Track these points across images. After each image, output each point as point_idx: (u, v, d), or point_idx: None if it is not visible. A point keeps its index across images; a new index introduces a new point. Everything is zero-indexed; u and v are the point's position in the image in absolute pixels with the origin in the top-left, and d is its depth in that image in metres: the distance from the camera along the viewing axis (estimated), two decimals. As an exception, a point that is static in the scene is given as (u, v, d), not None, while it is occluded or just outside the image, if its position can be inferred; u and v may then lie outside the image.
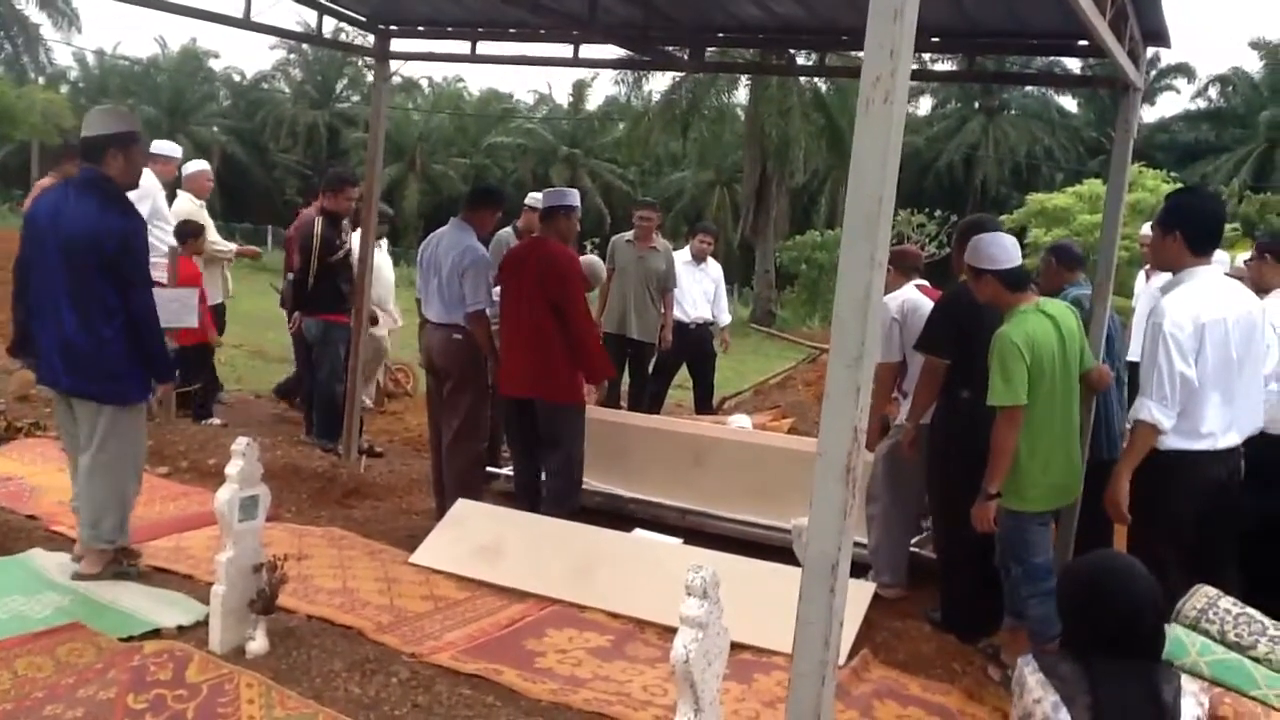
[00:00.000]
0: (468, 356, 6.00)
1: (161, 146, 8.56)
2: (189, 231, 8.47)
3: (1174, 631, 3.27)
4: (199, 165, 8.87)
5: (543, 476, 6.01)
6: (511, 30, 6.88)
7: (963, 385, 4.81)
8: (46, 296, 4.58)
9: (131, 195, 7.65)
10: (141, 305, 4.51)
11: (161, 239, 8.05)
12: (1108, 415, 5.19)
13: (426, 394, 6.44)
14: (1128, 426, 4.18)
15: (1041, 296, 4.57)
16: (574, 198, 6.05)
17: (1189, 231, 4.08)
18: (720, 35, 6.72)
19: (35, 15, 43.83)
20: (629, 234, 8.67)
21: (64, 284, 4.50)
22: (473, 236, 6.05)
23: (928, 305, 5.31)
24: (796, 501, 5.39)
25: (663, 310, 8.56)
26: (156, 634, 4.19)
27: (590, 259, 6.92)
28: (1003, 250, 4.42)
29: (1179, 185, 25.85)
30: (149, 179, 8.02)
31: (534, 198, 8.29)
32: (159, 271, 7.92)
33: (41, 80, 46.11)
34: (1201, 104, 44.81)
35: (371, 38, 7.30)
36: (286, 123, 49.34)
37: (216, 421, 8.15)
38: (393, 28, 7.16)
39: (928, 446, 5.07)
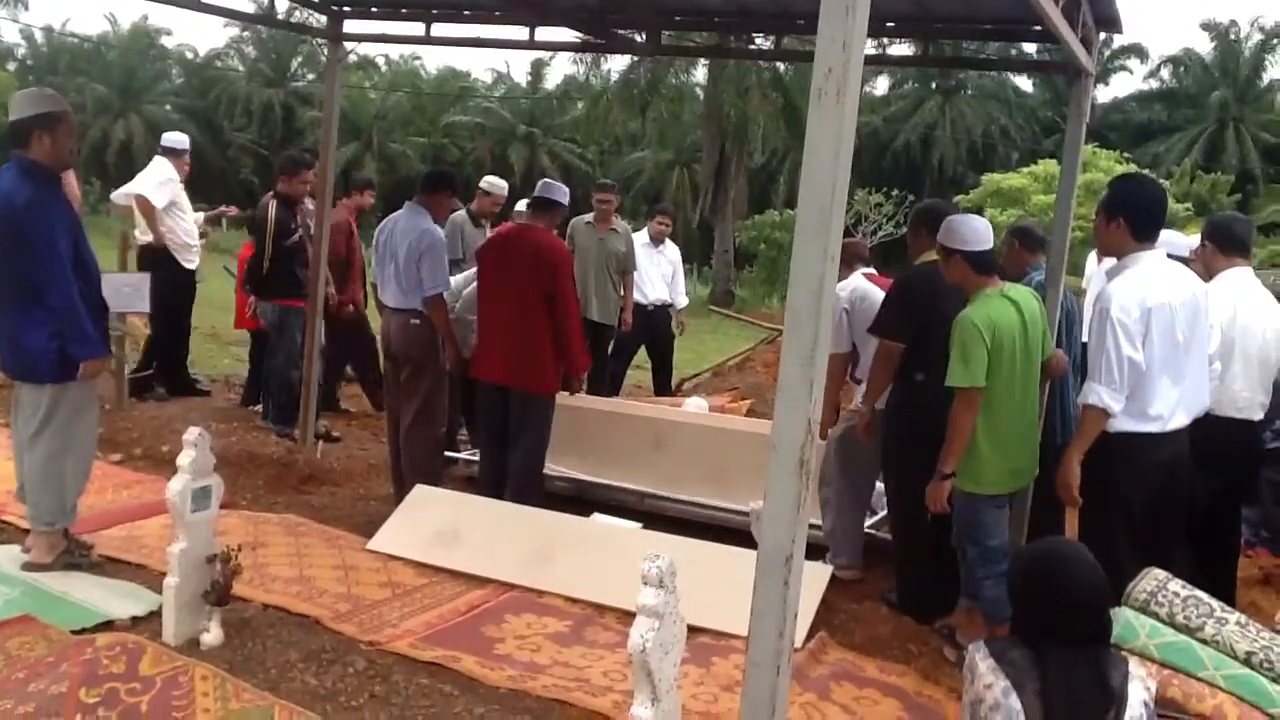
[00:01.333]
0: (426, 341, 5.98)
1: (171, 139, 8.61)
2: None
3: (1124, 614, 3.33)
4: (184, 143, 8.75)
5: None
6: (466, 12, 6.81)
7: (917, 369, 4.84)
8: None
9: (151, 183, 8.01)
10: (51, 282, 4.42)
11: (185, 229, 8.24)
12: (1063, 399, 5.23)
13: (384, 379, 6.40)
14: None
15: (1007, 282, 4.60)
16: (566, 196, 6.09)
17: (1132, 218, 4.13)
18: (676, 19, 6.70)
19: (-21, -8, 42.94)
20: (588, 216, 8.64)
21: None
22: (429, 220, 6.02)
23: (876, 293, 5.34)
24: (755, 484, 5.41)
25: (622, 293, 8.55)
26: (109, 625, 4.14)
27: None
28: (973, 232, 4.45)
29: (1131, 164, 26.21)
30: (167, 169, 8.21)
31: (489, 181, 8.25)
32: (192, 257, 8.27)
33: (-12, 58, 45.19)
34: (1154, 84, 45.33)
35: (325, 18, 7.21)
36: (241, 101, 48.63)
37: (162, 391, 8.28)
38: (346, 9, 7.06)
39: (883, 430, 5.10)
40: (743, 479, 5.77)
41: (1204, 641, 3.26)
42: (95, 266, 4.73)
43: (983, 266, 4.44)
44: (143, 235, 8.19)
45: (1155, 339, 3.99)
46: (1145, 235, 4.13)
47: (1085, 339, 5.54)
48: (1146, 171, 26.01)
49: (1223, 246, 4.88)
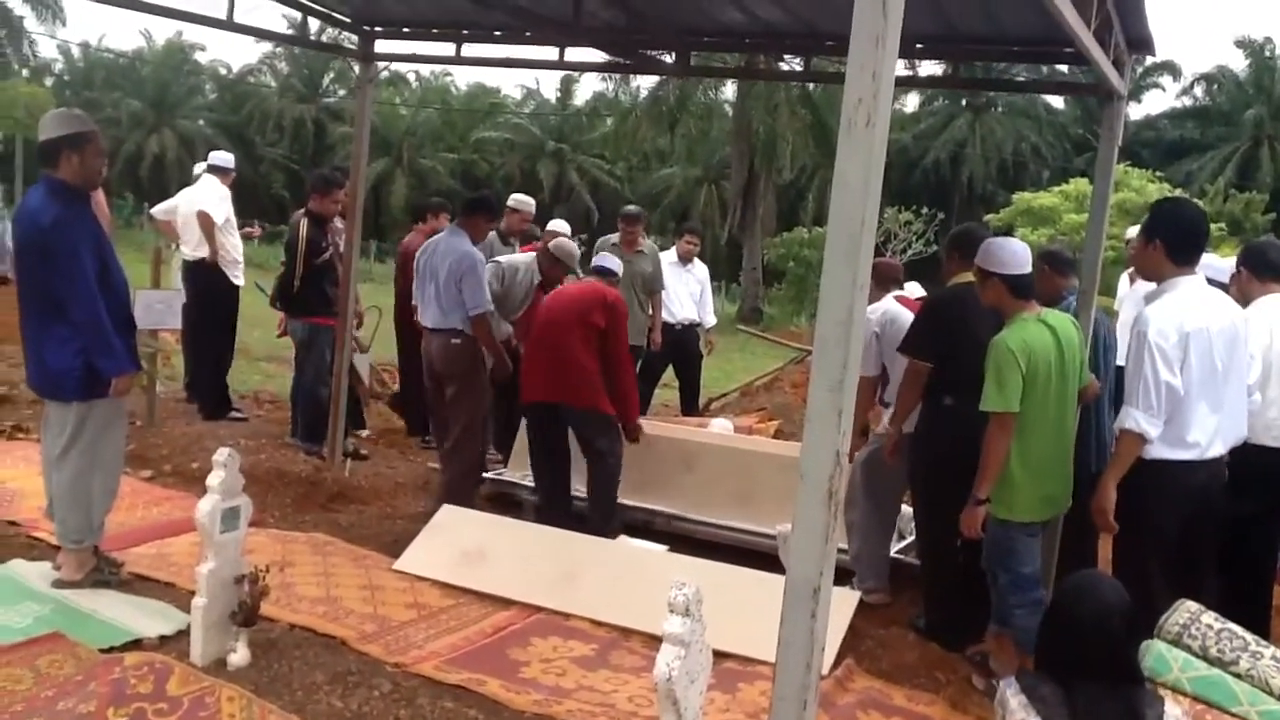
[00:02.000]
0: (467, 360, 6.12)
1: (220, 158, 8.78)
2: None
3: (1156, 647, 3.28)
4: (231, 162, 8.90)
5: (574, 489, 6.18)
6: (496, 32, 6.85)
7: (946, 392, 4.80)
8: (22, 300, 4.66)
9: (212, 200, 8.14)
10: (75, 298, 4.46)
11: (234, 245, 8.43)
12: (1098, 426, 5.14)
13: (428, 400, 6.55)
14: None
15: (1044, 307, 4.55)
16: (620, 268, 6.42)
17: (1168, 240, 4.10)
18: (705, 39, 6.70)
19: (19, 8, 43.45)
20: (614, 237, 8.62)
21: (24, 284, 4.61)
22: (468, 242, 6.18)
23: (907, 317, 5.31)
24: (782, 507, 5.39)
25: (650, 313, 8.54)
26: (138, 644, 4.16)
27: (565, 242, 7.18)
28: (1013, 256, 4.41)
29: (1164, 183, 26.00)
30: (221, 187, 8.39)
31: (516, 199, 8.28)
32: (239, 273, 8.43)
33: (25, 73, 45.74)
34: (1187, 102, 45.07)
35: (356, 39, 7.27)
36: (273, 117, 49.17)
37: (238, 413, 8.41)
38: (377, 29, 7.11)
39: (911, 454, 5.06)
40: (770, 501, 5.74)
41: (1238, 676, 3.21)
42: (124, 283, 4.77)
43: (1020, 290, 4.40)
44: (192, 251, 8.25)
45: (1193, 364, 3.95)
46: (1183, 259, 4.10)
47: (1121, 363, 5.48)
48: (1179, 190, 25.83)
49: (1258, 272, 4.82)
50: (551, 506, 6.05)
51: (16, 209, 4.76)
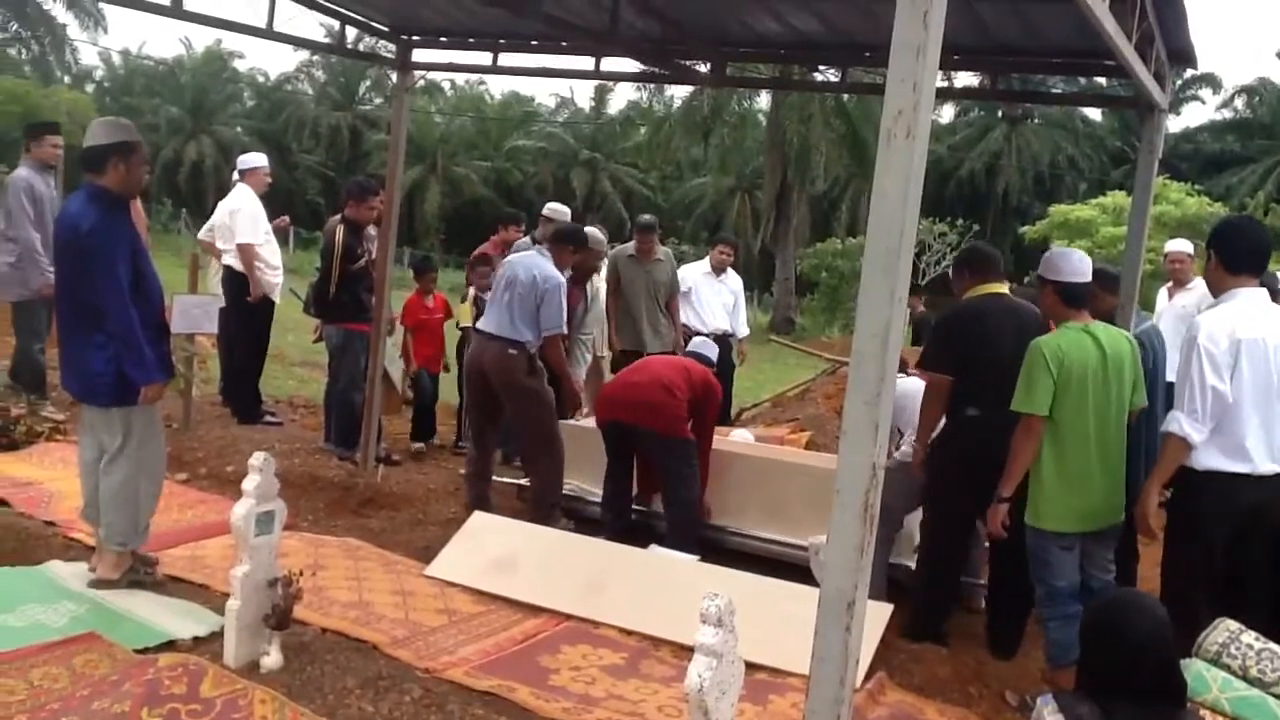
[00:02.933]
0: (527, 369, 6.25)
1: (248, 160, 8.67)
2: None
3: (1195, 666, 3.24)
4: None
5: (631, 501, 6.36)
6: (533, 41, 6.89)
7: (970, 403, 4.81)
8: (58, 303, 4.75)
9: (249, 226, 8.04)
10: (109, 308, 4.49)
11: (271, 250, 8.32)
12: (1149, 445, 5.06)
13: (470, 399, 6.70)
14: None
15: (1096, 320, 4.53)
16: (716, 352, 6.65)
17: (1223, 252, 4.15)
18: (740, 50, 6.71)
19: (62, 15, 44.00)
20: (629, 249, 8.59)
21: (61, 288, 4.69)
22: (553, 266, 6.38)
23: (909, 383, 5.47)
24: (812, 518, 5.38)
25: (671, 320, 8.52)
26: (171, 645, 4.19)
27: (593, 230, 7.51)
28: (1069, 264, 4.47)
29: (1203, 196, 25.69)
30: (254, 201, 8.24)
31: (551, 208, 8.30)
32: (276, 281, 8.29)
33: (68, 80, 46.37)
34: (1227, 114, 44.42)
35: (394, 47, 7.32)
36: (309, 124, 49.59)
37: (273, 418, 8.41)
38: (414, 38, 7.17)
39: (930, 459, 5.05)
40: (801, 513, 5.72)
41: (1279, 697, 3.16)
42: (159, 291, 4.81)
43: (1071, 299, 4.42)
44: (227, 248, 8.19)
45: (1245, 372, 3.92)
46: (1239, 268, 4.12)
47: (1171, 378, 5.40)
48: (1219, 204, 25.51)
49: None
50: (617, 517, 6.19)
51: (58, 214, 4.82)
